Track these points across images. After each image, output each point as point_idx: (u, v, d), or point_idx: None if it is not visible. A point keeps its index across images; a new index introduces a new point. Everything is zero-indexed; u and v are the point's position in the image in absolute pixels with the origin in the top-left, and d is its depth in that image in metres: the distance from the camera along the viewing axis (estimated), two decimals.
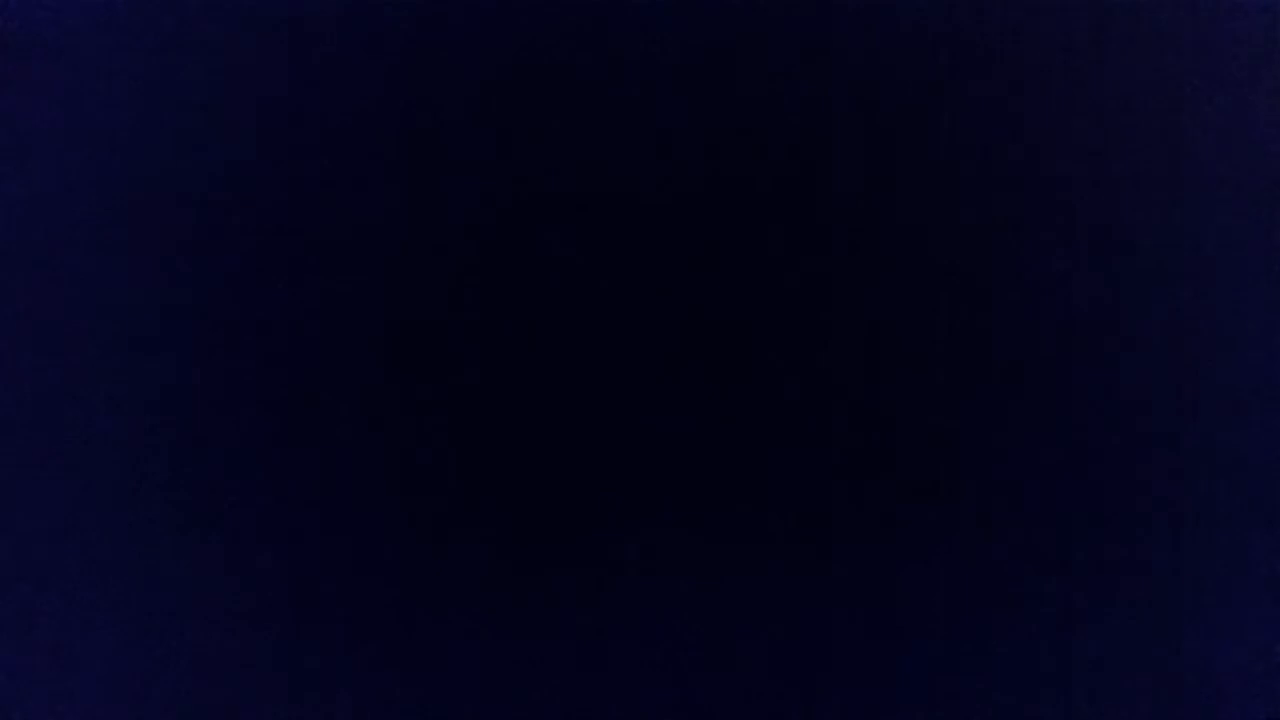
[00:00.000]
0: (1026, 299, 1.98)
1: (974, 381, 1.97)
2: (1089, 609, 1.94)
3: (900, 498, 1.95)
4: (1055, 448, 1.96)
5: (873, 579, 1.94)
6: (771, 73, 2.01)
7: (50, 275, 1.99)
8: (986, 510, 1.95)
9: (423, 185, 2.00)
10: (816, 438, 1.96)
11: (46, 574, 1.95)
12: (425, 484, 1.96)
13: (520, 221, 2.00)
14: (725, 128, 2.01)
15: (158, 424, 1.96)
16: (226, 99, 2.01)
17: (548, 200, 2.00)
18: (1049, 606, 1.94)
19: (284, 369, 1.97)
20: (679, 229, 2.00)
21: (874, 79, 2.01)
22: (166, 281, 1.99)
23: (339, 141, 2.00)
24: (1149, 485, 1.96)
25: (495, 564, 1.95)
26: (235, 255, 1.99)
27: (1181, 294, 1.98)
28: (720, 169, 2.00)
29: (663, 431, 1.96)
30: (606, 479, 1.96)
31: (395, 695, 1.93)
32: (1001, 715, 1.93)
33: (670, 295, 1.99)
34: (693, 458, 1.96)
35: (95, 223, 1.99)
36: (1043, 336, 1.97)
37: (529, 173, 2.00)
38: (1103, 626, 1.94)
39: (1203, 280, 1.99)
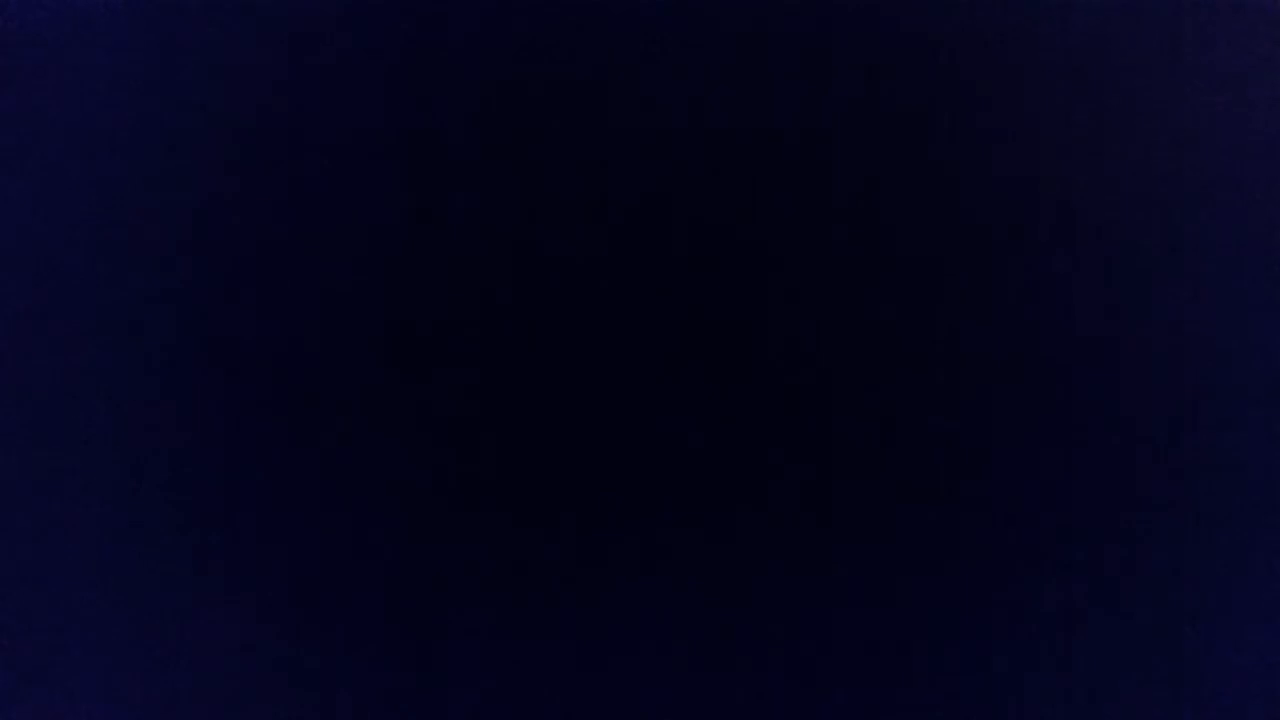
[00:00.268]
0: (1026, 299, 1.98)
1: (974, 381, 1.97)
2: (1089, 609, 1.94)
3: (900, 498, 1.95)
4: (1055, 448, 1.96)
5: (873, 579, 1.94)
6: (771, 73, 2.01)
7: (50, 275, 1.99)
8: (986, 510, 1.95)
9: (423, 185, 2.00)
10: (816, 438, 1.96)
11: (46, 574, 1.95)
12: (425, 484, 1.96)
13: (520, 221, 2.00)
14: (725, 128, 2.01)
15: (158, 424, 1.96)
16: (226, 99, 2.01)
17: (548, 200, 2.00)
18: (1049, 606, 1.94)
19: (284, 369, 1.97)
20: (679, 229, 2.00)
21: (874, 79, 2.01)
22: (166, 281, 1.99)
23: (339, 141, 2.00)
24: (1149, 485, 1.96)
25: (495, 564, 1.95)
26: (235, 255, 1.99)
27: (1182, 294, 1.98)
28: (720, 169, 2.00)
29: (663, 431, 1.97)
30: (606, 479, 1.96)
31: (395, 695, 1.93)
32: (1001, 715, 1.93)
33: (670, 295, 1.99)
34: (693, 458, 1.96)
35: (95, 223, 1.99)
36: (1043, 337, 1.97)
37: (529, 173, 2.00)
38: (1103, 626, 1.94)
39: (1203, 280, 1.99)
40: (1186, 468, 1.96)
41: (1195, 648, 1.93)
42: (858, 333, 1.97)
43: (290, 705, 1.93)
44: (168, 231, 1.99)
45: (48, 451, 1.96)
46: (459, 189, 2.00)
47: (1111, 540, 1.95)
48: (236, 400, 1.96)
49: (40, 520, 1.95)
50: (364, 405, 1.97)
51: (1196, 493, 1.95)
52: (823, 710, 1.93)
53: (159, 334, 1.98)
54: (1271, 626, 1.94)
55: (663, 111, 2.01)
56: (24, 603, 1.95)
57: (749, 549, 1.95)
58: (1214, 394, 1.97)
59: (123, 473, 1.96)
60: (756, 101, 2.01)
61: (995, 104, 2.01)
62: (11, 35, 2.01)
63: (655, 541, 1.95)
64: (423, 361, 1.98)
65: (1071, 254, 1.98)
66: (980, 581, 1.94)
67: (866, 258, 1.99)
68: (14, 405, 1.96)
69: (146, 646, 1.94)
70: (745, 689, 1.94)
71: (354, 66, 2.01)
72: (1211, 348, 1.97)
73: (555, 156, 2.00)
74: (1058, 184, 2.00)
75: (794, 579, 1.95)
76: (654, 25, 2.02)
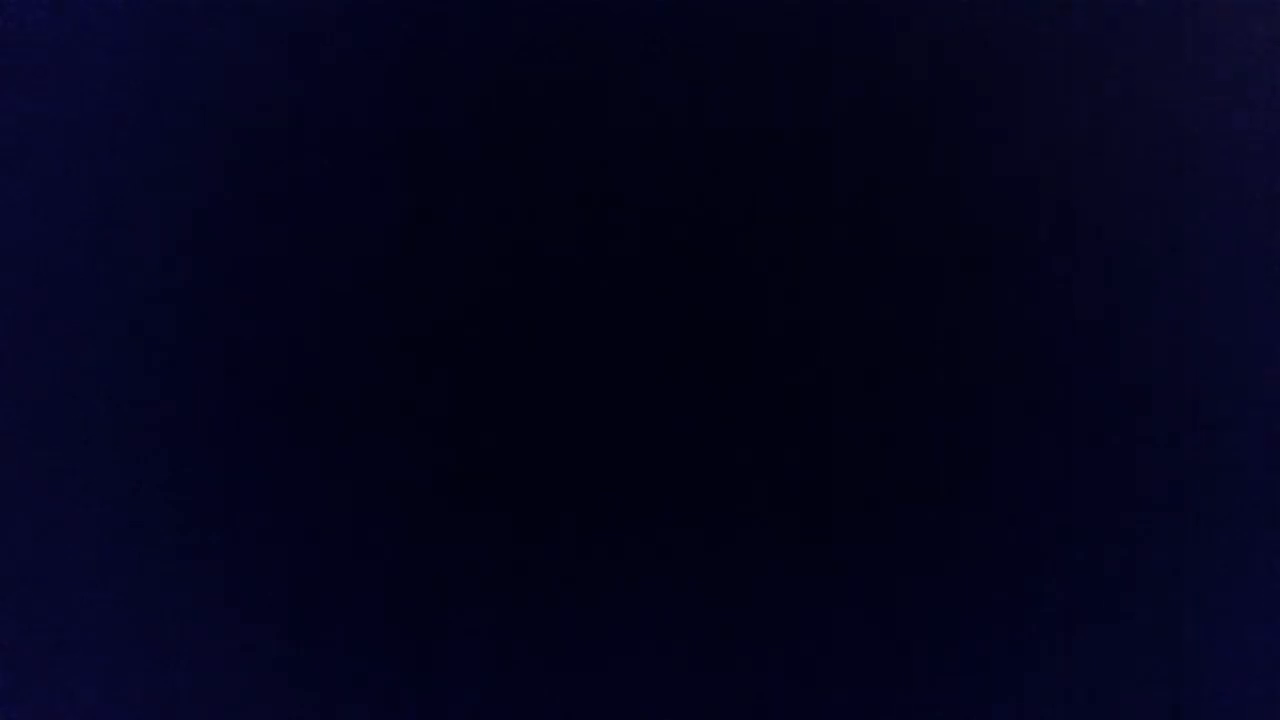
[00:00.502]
0: (1026, 299, 1.98)
1: (974, 381, 1.97)
2: (1089, 609, 1.94)
3: (900, 498, 1.95)
4: (1055, 448, 1.96)
5: (873, 579, 1.94)
6: (771, 73, 2.01)
7: (50, 275, 1.99)
8: (986, 510, 1.95)
9: (423, 185, 2.00)
10: (816, 438, 1.96)
11: (46, 574, 1.95)
12: (426, 484, 1.96)
13: (520, 221, 2.00)
14: (725, 128, 2.01)
15: (158, 424, 1.96)
16: (226, 98, 2.01)
17: (548, 200, 2.00)
18: (1049, 606, 1.94)
19: (284, 369, 1.97)
20: (679, 229, 2.00)
21: (874, 79, 2.01)
22: (166, 281, 1.99)
23: (339, 141, 2.00)
24: (1149, 485, 1.96)
25: (495, 564, 1.95)
26: (235, 255, 1.99)
27: (1182, 294, 1.98)
28: (720, 169, 2.00)
29: (663, 431, 1.97)
30: (607, 479, 1.96)
31: (395, 695, 1.93)
32: (1001, 715, 1.93)
33: (670, 295, 1.99)
34: (693, 458, 1.96)
35: (95, 223, 1.99)
36: (1043, 336, 1.97)
37: (529, 173, 2.00)
38: (1103, 626, 1.94)
39: (1203, 281, 1.99)
40: (1186, 468, 1.96)
41: (1195, 648, 1.94)
42: (858, 333, 1.97)
43: (290, 705, 1.93)
44: (168, 231, 1.99)
45: (48, 451, 1.96)
46: (459, 189, 2.00)
47: (1111, 540, 1.95)
48: (236, 400, 1.97)
49: (40, 520, 1.95)
50: (364, 405, 1.97)
51: (1196, 493, 1.96)
52: (823, 710, 1.93)
53: (159, 334, 1.98)
54: (1271, 626, 1.94)
55: (663, 111, 2.01)
56: (24, 603, 1.95)
57: (749, 549, 1.95)
58: (1214, 394, 1.97)
59: (123, 473, 1.96)
60: (756, 101, 2.01)
61: (995, 104, 2.01)
62: (11, 35, 2.01)
63: (655, 541, 1.95)
64: (423, 361, 1.98)
65: (1071, 254, 1.99)
66: (980, 581, 1.94)
67: (866, 258, 1.99)
68: (14, 405, 1.97)
69: (146, 646, 1.94)
70: (745, 689, 1.94)
71: (354, 66, 2.01)
72: (1211, 348, 1.97)
73: (555, 156, 2.00)
74: (1058, 184, 2.00)
75: (794, 579, 1.95)
76: (654, 25, 2.02)
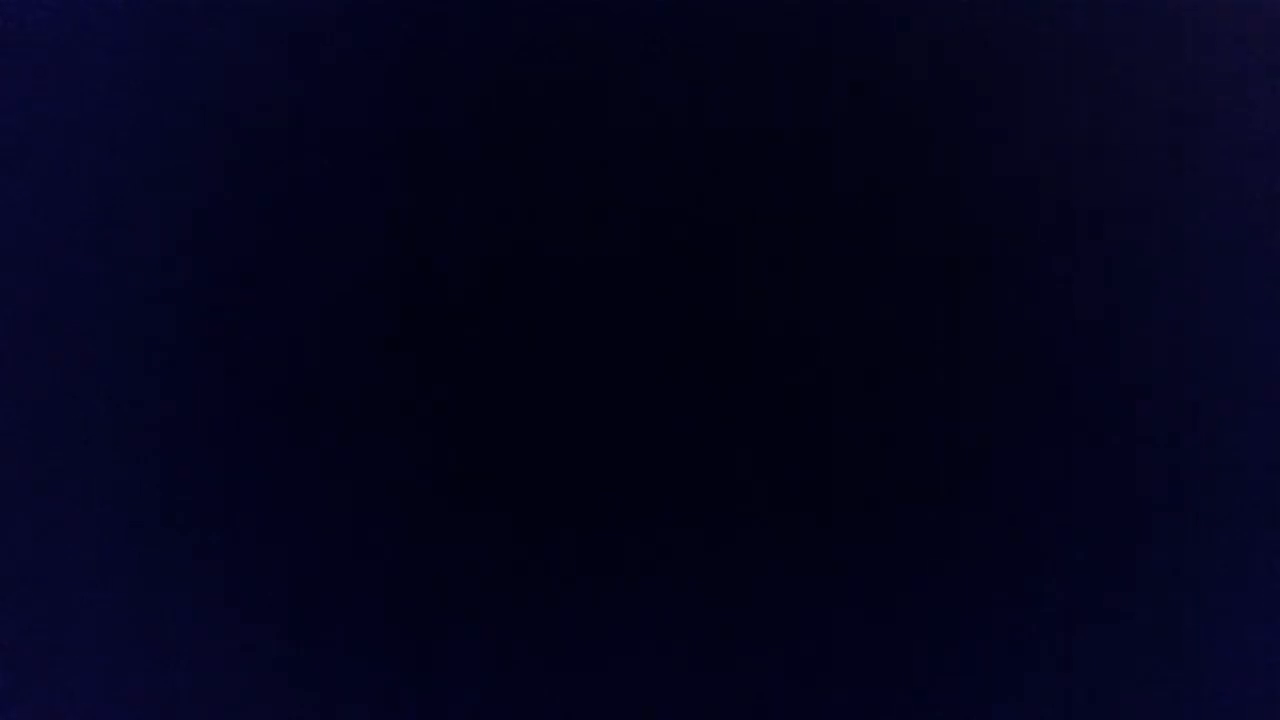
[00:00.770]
0: (1026, 299, 1.98)
1: (974, 381, 1.97)
2: (1089, 609, 1.94)
3: (900, 498, 1.95)
4: (1055, 448, 1.96)
5: (872, 579, 1.94)
6: (771, 73, 2.01)
7: (50, 275, 1.99)
8: (986, 510, 1.95)
9: (423, 185, 2.00)
10: (816, 438, 1.96)
11: (46, 574, 1.95)
12: (426, 484, 1.96)
13: (520, 221, 2.00)
14: (725, 128, 2.01)
15: (158, 424, 1.96)
16: (227, 98, 2.01)
17: (548, 200, 2.00)
18: (1049, 606, 1.94)
19: (284, 369, 1.97)
20: (679, 229, 2.00)
21: (874, 79, 2.01)
22: (166, 281, 1.99)
23: (339, 141, 2.00)
24: (1149, 485, 1.96)
25: (495, 564, 1.95)
26: (235, 255, 1.99)
27: (1182, 294, 1.98)
28: (720, 169, 2.00)
29: (663, 431, 1.97)
30: (607, 479, 1.96)
31: (395, 695, 1.93)
32: (1002, 715, 1.93)
33: (670, 295, 1.99)
34: (693, 458, 1.96)
35: (95, 222, 1.99)
36: (1043, 336, 1.97)
37: (529, 173, 2.00)
38: (1103, 626, 1.94)
39: (1203, 280, 1.99)
40: (1186, 468, 1.96)
41: (1195, 648, 1.93)
42: (858, 332, 1.97)
43: (290, 705, 1.93)
44: (168, 231, 1.99)
45: (48, 451, 1.96)
46: (459, 189, 2.00)
47: (1111, 540, 1.95)
48: (236, 400, 1.96)
49: (40, 520, 1.95)
50: (364, 405, 1.97)
51: (1196, 493, 1.95)
52: (823, 710, 1.93)
53: (159, 334, 1.98)
54: (1271, 626, 1.94)
55: (663, 111, 2.01)
56: (24, 603, 1.95)
57: (749, 549, 1.95)
58: (1214, 394, 1.97)
59: (123, 473, 1.96)
60: (756, 101, 2.01)
61: (995, 104, 2.01)
62: (11, 35, 2.01)
63: (655, 541, 1.95)
64: (423, 361, 1.98)
65: (1071, 254, 1.98)
66: (980, 581, 1.94)
67: (866, 258, 1.99)
68: (14, 405, 1.96)
69: (146, 646, 1.94)
70: (745, 689, 1.94)
71: (354, 66, 2.01)
72: (1211, 348, 1.97)
73: (555, 156, 2.00)
74: (1058, 184, 2.00)
75: (794, 579, 1.95)
76: (654, 25, 2.02)
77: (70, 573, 1.95)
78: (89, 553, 1.95)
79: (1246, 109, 2.02)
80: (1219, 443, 1.96)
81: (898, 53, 2.02)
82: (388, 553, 1.95)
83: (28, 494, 1.95)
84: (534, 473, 1.96)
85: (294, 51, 2.02)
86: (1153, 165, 2.00)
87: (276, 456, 1.96)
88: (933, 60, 2.01)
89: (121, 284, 1.99)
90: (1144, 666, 1.93)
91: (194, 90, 2.01)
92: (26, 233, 1.99)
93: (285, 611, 1.94)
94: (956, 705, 1.93)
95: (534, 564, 1.95)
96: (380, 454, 1.96)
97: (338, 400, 1.97)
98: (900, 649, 1.94)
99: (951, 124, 2.01)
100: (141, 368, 1.97)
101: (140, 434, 1.96)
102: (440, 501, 1.96)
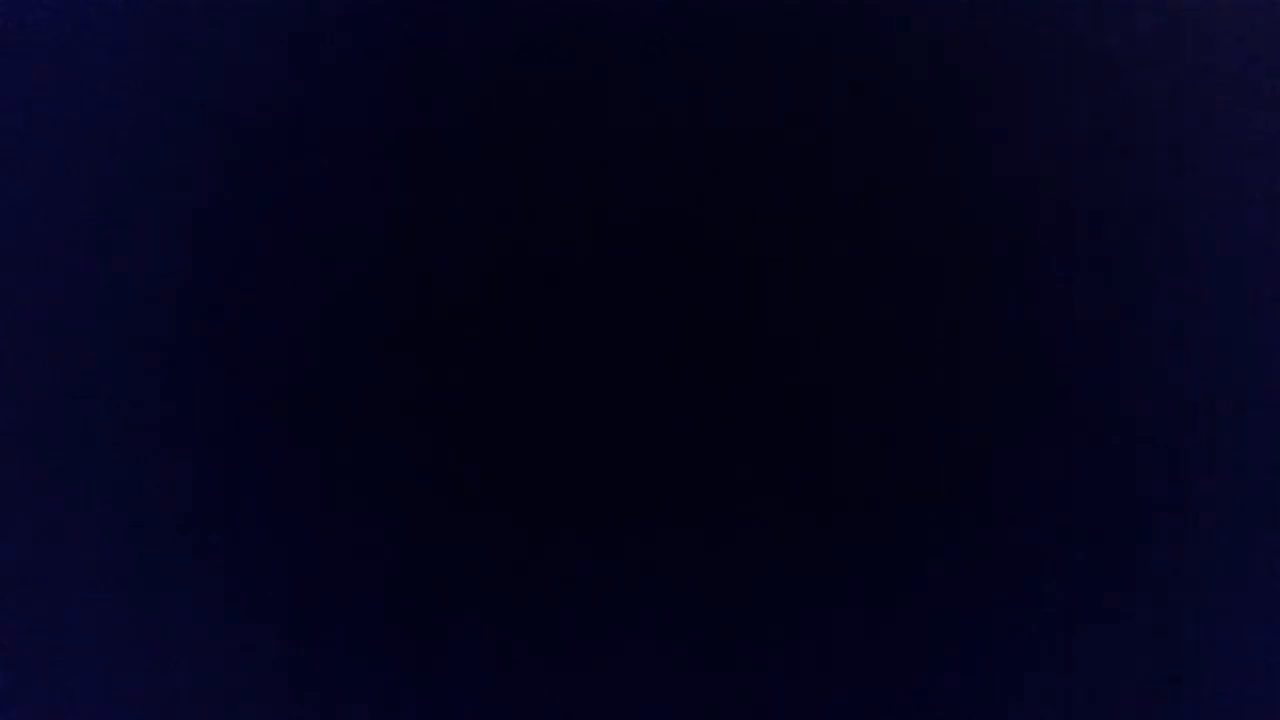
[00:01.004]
0: (1026, 299, 1.98)
1: (974, 381, 1.97)
2: (1089, 609, 1.94)
3: (900, 498, 1.95)
4: (1055, 448, 1.96)
5: (873, 579, 1.94)
6: (771, 73, 2.01)
7: (50, 275, 1.99)
8: (986, 510, 1.95)
9: (423, 185, 2.00)
10: (816, 438, 1.96)
11: (46, 574, 1.95)
12: (426, 484, 1.96)
13: (520, 221, 2.00)
14: (725, 128, 2.01)
15: (158, 424, 1.96)
16: (227, 98, 2.01)
17: (547, 200, 2.00)
18: (1049, 606, 1.94)
19: (284, 369, 1.97)
20: (679, 229, 2.00)
21: (874, 79, 2.01)
22: (166, 281, 1.99)
23: (339, 141, 2.00)
24: (1149, 485, 1.96)
25: (495, 564, 1.95)
26: (235, 255, 1.99)
27: (1182, 294, 1.98)
28: (720, 169, 2.00)
29: (662, 431, 1.97)
30: (607, 479, 1.96)
31: (395, 695, 1.93)
32: (1001, 715, 1.93)
33: (670, 295, 1.99)
34: (693, 458, 1.96)
35: (95, 222, 1.99)
36: (1043, 336, 1.97)
37: (529, 173, 2.00)
38: (1103, 626, 1.94)
39: (1203, 280, 1.99)
40: (1186, 468, 1.96)
41: (1195, 648, 1.94)
42: (858, 333, 1.97)
43: (290, 705, 1.93)
44: (168, 231, 1.99)
45: (48, 451, 1.96)
46: (459, 189, 2.00)
47: (1111, 540, 1.95)
48: (236, 400, 1.96)
49: (40, 520, 1.95)
50: (364, 405, 1.97)
51: (1196, 493, 1.96)
52: (823, 710, 1.93)
53: (159, 333, 1.98)
54: (1271, 626, 1.94)
55: (663, 111, 2.01)
56: (24, 603, 1.95)
57: (749, 549, 1.95)
58: (1214, 394, 1.97)
59: (123, 473, 1.96)
60: (756, 101, 2.01)
61: (995, 104, 2.01)
62: (11, 35, 2.01)
63: (655, 541, 1.95)
64: (423, 361, 1.98)
65: (1071, 254, 1.98)
66: (980, 581, 1.94)
67: (866, 258, 1.99)
68: (14, 405, 1.96)
69: (146, 646, 1.94)
70: (745, 689, 1.94)
71: (354, 66, 2.01)
72: (1211, 348, 1.97)
73: (555, 156, 2.00)
74: (1058, 184, 2.00)
75: (794, 579, 1.95)
76: (654, 25, 2.02)
77: (70, 573, 1.95)
78: (89, 553, 1.95)
79: (1246, 109, 2.02)
80: (1219, 443, 1.96)
81: (898, 53, 2.02)
82: (388, 553, 1.95)
83: (28, 494, 1.95)
84: (534, 472, 1.96)
85: (294, 51, 2.02)
86: (1153, 165, 2.00)
87: (276, 456, 1.96)
88: (933, 60, 2.01)
89: (121, 284, 1.99)
90: (1144, 666, 1.93)
91: (194, 90, 2.01)
92: (26, 233, 1.99)
93: (285, 611, 1.94)
94: (956, 705, 1.93)
95: (534, 564, 1.95)
96: (380, 454, 1.96)
97: (338, 400, 1.97)
98: (900, 649, 1.94)
99: (951, 124, 2.01)
100: (141, 368, 1.97)
101: (140, 434, 1.96)
102: (440, 501, 1.96)
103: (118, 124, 2.01)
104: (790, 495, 1.96)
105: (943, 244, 1.99)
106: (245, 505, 1.95)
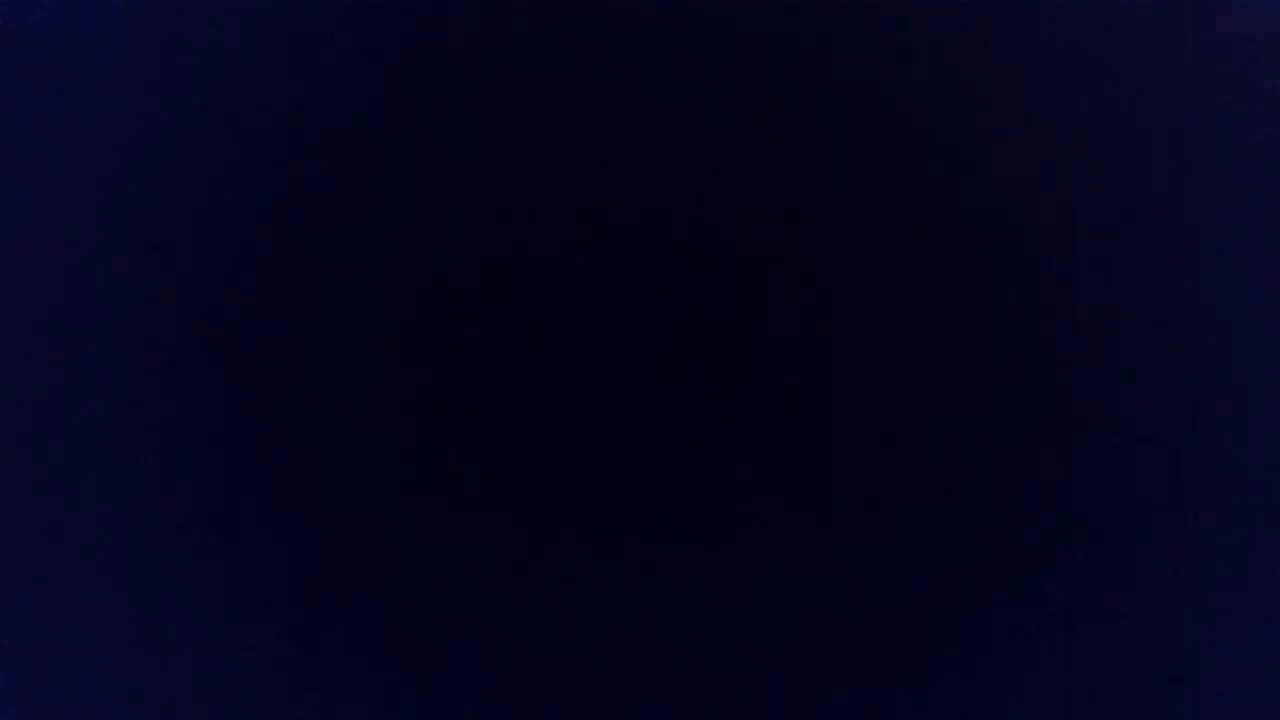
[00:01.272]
0: (1026, 299, 1.98)
1: (974, 382, 1.97)
2: (1089, 609, 1.94)
3: (900, 498, 1.95)
4: (1055, 448, 1.96)
5: (873, 579, 1.94)
6: (771, 73, 2.01)
7: (50, 275, 1.99)
8: (986, 510, 1.95)
9: (423, 185, 2.00)
10: (816, 438, 1.96)
11: (46, 574, 1.95)
12: (426, 484, 1.96)
13: (520, 221, 2.00)
14: (725, 128, 2.01)
15: (158, 424, 1.96)
16: (227, 98, 2.01)
17: (547, 200, 2.00)
18: (1049, 606, 1.94)
19: (284, 368, 1.97)
20: (679, 228, 2.00)
21: (874, 78, 2.01)
22: (166, 281, 1.99)
23: (340, 141, 2.00)
24: (1149, 485, 1.96)
25: (495, 564, 1.95)
26: (235, 255, 1.99)
27: (1181, 294, 1.98)
28: (720, 169, 2.00)
29: (662, 431, 1.97)
30: (607, 479, 1.96)
31: (395, 695, 1.93)
32: (1001, 715, 1.93)
33: (670, 295, 1.99)
34: (693, 458, 1.96)
35: (95, 222, 1.99)
36: (1043, 336, 1.97)
37: (529, 173, 2.00)
38: (1103, 626, 1.94)
39: (1203, 280, 1.99)
40: (1186, 468, 1.96)
41: (1195, 648, 1.94)
42: (858, 332, 1.97)
43: (290, 705, 1.93)
44: (168, 231, 1.99)
45: (48, 451, 1.96)
46: (459, 189, 2.00)
47: (1111, 540, 1.95)
48: (236, 400, 1.97)
49: (40, 520, 1.95)
50: (364, 405, 1.97)
51: (1196, 493, 1.95)
52: (823, 710, 1.93)
53: (159, 333, 1.98)
54: (1271, 626, 1.94)
55: (663, 111, 2.01)
56: (24, 603, 1.95)
57: (749, 549, 1.95)
58: (1214, 394, 1.97)
59: (123, 473, 1.96)
60: (756, 101, 2.01)
61: (995, 103, 2.01)
62: (11, 35, 2.01)
63: (655, 541, 1.95)
64: (423, 361, 1.98)
65: (1071, 254, 1.98)
66: (980, 581, 1.94)
67: (866, 257, 1.99)
68: (14, 405, 1.96)
69: (146, 646, 1.94)
70: (745, 689, 1.94)
71: (354, 66, 2.01)
72: (1211, 348, 1.97)
73: (555, 156, 2.00)
74: (1058, 184, 2.00)
75: (794, 579, 1.95)
76: (654, 25, 2.02)
77: (70, 573, 1.95)
78: (89, 553, 1.95)
79: (1246, 109, 2.02)
80: (1219, 443, 1.96)
81: (898, 53, 2.02)
82: (388, 553, 1.95)
83: (28, 494, 1.95)
84: (534, 472, 1.96)
85: (294, 51, 2.02)
86: (1153, 165, 2.00)
87: (276, 456, 1.96)
88: (933, 60, 2.01)
89: (121, 284, 1.99)
90: (1144, 666, 1.93)
91: (194, 90, 2.01)
92: (26, 233, 1.99)
93: (285, 611, 1.94)
94: (956, 705, 1.93)
95: (534, 564, 1.95)
96: (380, 454, 1.96)
97: (338, 400, 1.97)
98: (900, 649, 1.94)
99: (951, 123, 2.01)
100: (141, 368, 1.97)
101: (140, 434, 1.96)
102: (440, 501, 1.96)
103: (118, 124, 2.01)
104: (790, 495, 1.96)
105: (943, 244, 1.99)
106: (245, 505, 1.95)
